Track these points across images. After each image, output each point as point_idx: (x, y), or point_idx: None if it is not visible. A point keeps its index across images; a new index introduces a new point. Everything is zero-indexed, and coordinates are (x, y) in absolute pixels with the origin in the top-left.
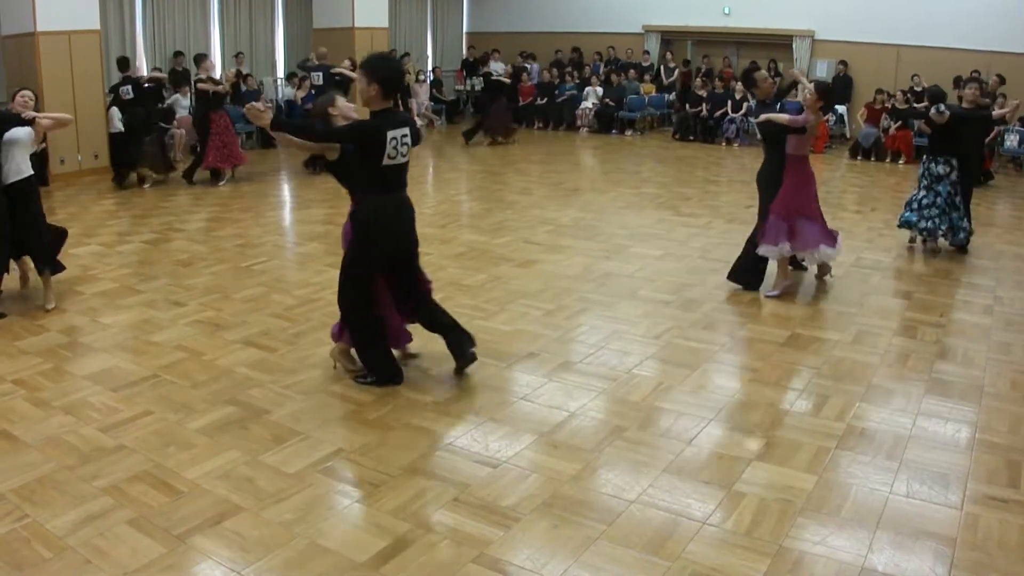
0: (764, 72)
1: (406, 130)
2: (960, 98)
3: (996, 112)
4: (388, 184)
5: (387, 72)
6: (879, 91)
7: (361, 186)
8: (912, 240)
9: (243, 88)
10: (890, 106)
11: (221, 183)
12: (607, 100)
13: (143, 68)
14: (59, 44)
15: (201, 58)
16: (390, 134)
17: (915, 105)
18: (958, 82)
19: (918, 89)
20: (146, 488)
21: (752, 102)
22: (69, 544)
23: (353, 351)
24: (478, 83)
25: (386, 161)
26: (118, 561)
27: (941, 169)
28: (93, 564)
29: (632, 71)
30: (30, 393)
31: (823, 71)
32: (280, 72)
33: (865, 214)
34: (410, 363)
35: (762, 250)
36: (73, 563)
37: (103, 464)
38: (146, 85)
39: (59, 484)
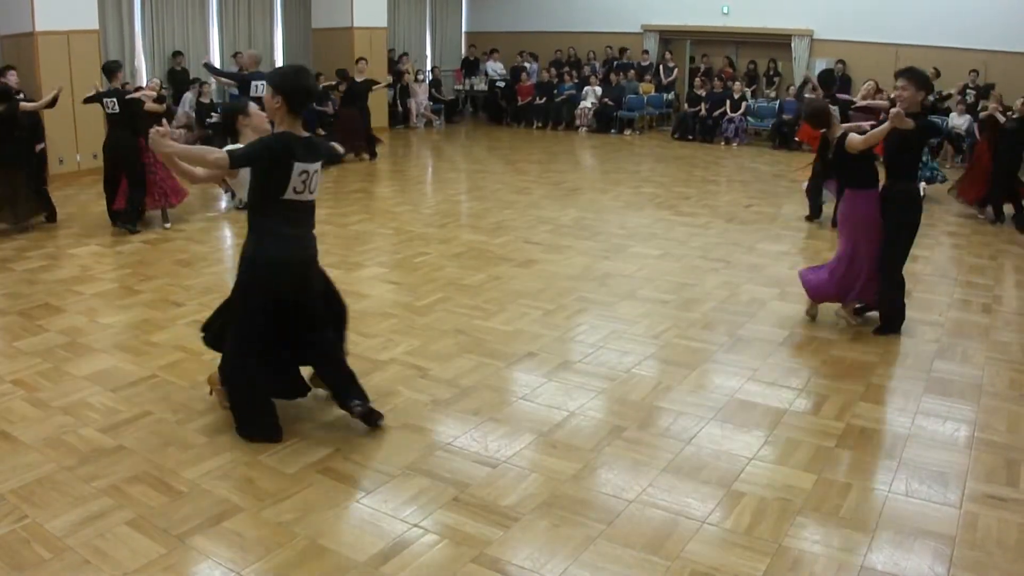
0: None
1: (318, 165)
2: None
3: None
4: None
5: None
6: (878, 90)
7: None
8: None
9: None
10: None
11: (167, 225)
12: (606, 100)
13: (142, 68)
14: (58, 44)
15: (115, 67)
16: (298, 166)
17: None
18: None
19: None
20: (145, 488)
21: (750, 100)
22: (68, 545)
23: None
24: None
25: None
26: (118, 562)
27: None
28: (92, 565)
29: (631, 71)
30: (29, 393)
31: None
32: None
33: None
34: None
35: None
36: (73, 564)
37: (102, 465)
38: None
39: (58, 485)
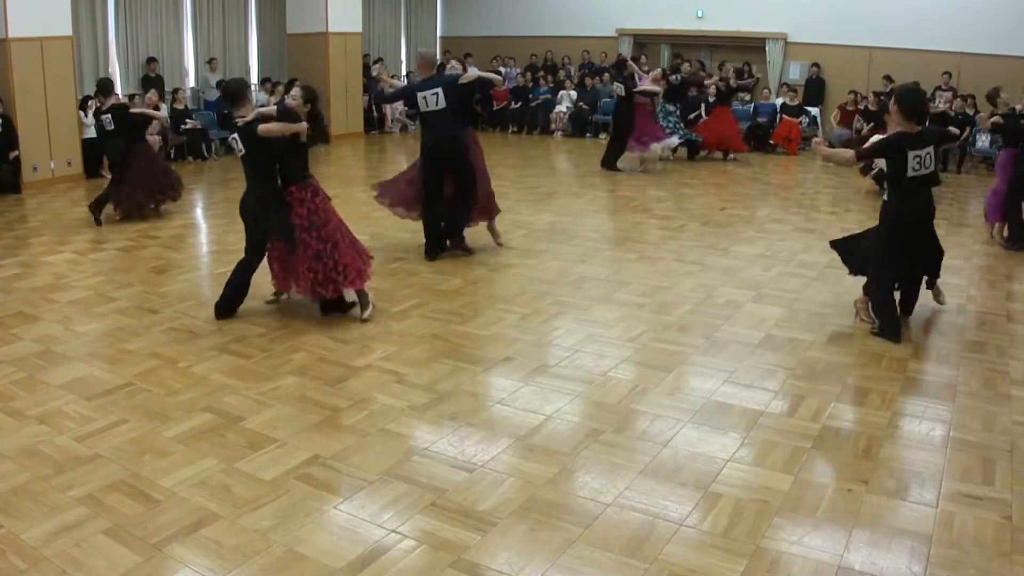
0: None
1: None
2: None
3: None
4: None
5: None
6: (851, 92)
7: None
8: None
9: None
10: (863, 108)
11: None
12: (581, 104)
13: (116, 75)
14: (31, 50)
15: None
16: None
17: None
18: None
19: (887, 91)
20: (122, 497)
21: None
22: (45, 555)
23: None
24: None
25: None
26: (94, 571)
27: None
28: (69, 574)
29: (606, 74)
30: (3, 403)
31: (796, 73)
32: (254, 78)
33: (839, 215)
34: None
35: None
36: (49, 574)
37: (78, 473)
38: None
39: (34, 494)
